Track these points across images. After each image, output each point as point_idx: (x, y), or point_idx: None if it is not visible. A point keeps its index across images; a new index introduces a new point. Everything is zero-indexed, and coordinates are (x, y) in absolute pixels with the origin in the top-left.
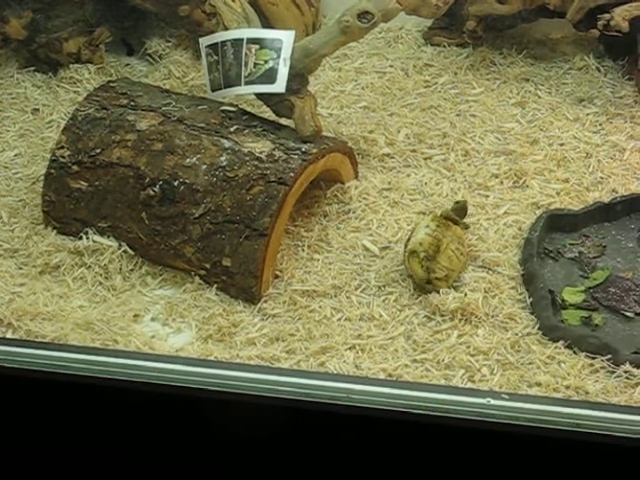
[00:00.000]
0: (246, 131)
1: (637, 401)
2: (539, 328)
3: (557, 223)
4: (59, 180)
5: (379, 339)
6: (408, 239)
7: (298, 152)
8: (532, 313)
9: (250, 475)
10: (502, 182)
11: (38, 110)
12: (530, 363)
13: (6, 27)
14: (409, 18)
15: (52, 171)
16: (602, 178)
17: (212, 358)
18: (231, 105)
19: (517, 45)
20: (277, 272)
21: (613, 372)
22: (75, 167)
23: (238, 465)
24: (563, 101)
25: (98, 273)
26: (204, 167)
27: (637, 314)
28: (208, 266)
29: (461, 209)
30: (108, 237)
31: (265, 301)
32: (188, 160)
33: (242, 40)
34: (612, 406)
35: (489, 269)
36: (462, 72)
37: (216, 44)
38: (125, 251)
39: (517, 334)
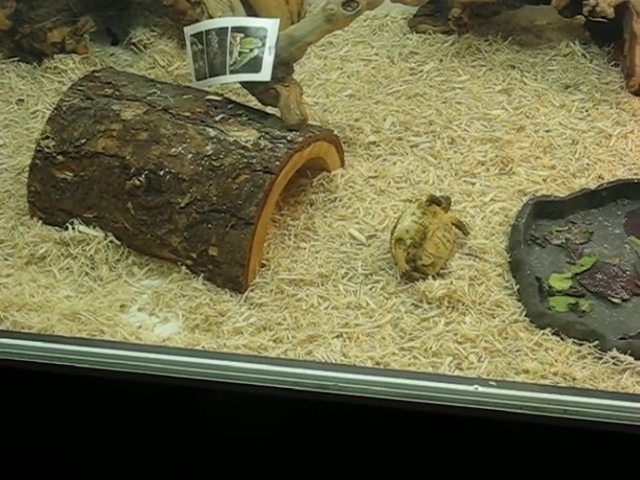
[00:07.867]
0: (231, 120)
1: (624, 387)
2: (526, 315)
3: (543, 210)
4: (44, 170)
5: (366, 327)
6: (394, 227)
7: (284, 141)
8: (519, 300)
9: (238, 464)
10: (488, 169)
11: (23, 100)
12: (517, 350)
13: None
14: (394, 6)
15: (37, 161)
16: (588, 164)
17: (199, 348)
18: (216, 94)
19: (502, 32)
20: (264, 261)
21: (600, 358)
22: (60, 157)
23: (225, 454)
24: (549, 88)
25: (84, 263)
26: (190, 156)
27: (624, 300)
28: (194, 255)
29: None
30: (94, 227)
31: (252, 290)
32: (174, 149)
33: (227, 29)
34: (600, 392)
35: (476, 256)
36: (448, 59)
37: (201, 33)
38: (111, 241)
39: (504, 321)
